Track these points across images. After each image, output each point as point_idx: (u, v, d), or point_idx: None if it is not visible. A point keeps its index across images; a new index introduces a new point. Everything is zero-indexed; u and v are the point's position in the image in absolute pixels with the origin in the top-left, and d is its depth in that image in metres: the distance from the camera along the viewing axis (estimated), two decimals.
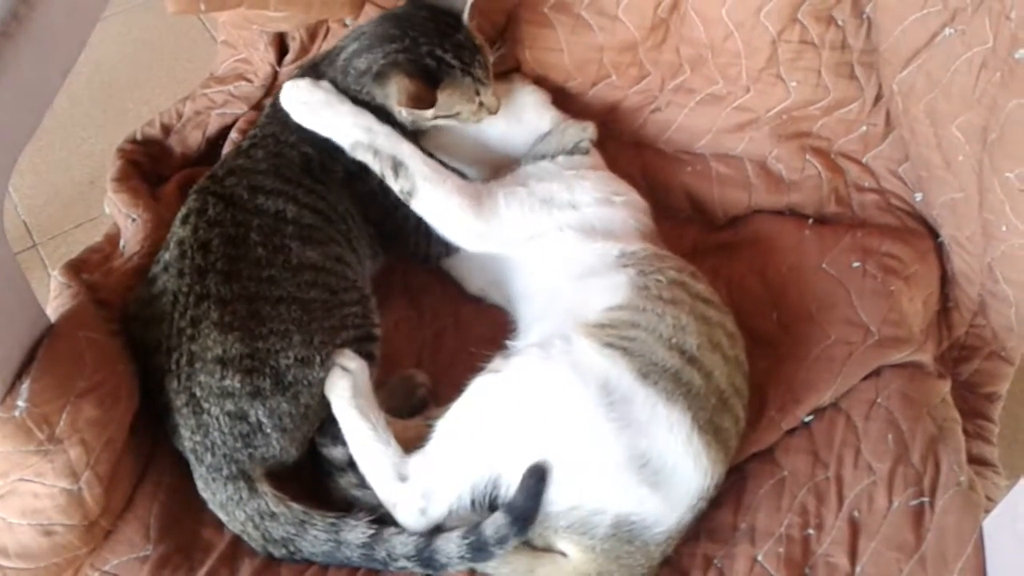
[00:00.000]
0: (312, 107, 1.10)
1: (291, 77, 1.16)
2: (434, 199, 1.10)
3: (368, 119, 1.10)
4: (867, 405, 1.07)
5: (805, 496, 1.01)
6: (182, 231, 1.04)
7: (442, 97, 1.10)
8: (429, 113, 1.11)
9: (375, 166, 1.10)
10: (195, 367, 0.96)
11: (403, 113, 1.11)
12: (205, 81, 1.38)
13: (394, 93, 1.09)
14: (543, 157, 1.22)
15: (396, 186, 1.10)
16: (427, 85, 1.09)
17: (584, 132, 1.22)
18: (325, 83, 1.11)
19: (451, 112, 1.14)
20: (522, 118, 1.26)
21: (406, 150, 1.10)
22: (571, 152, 1.21)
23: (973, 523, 0.95)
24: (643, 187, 1.27)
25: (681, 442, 0.93)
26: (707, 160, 1.32)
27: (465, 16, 1.13)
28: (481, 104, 1.15)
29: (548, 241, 1.12)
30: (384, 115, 1.12)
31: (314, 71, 1.15)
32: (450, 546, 0.94)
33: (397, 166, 1.09)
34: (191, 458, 0.98)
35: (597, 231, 1.12)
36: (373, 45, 1.12)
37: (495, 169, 1.24)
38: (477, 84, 1.13)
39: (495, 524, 0.93)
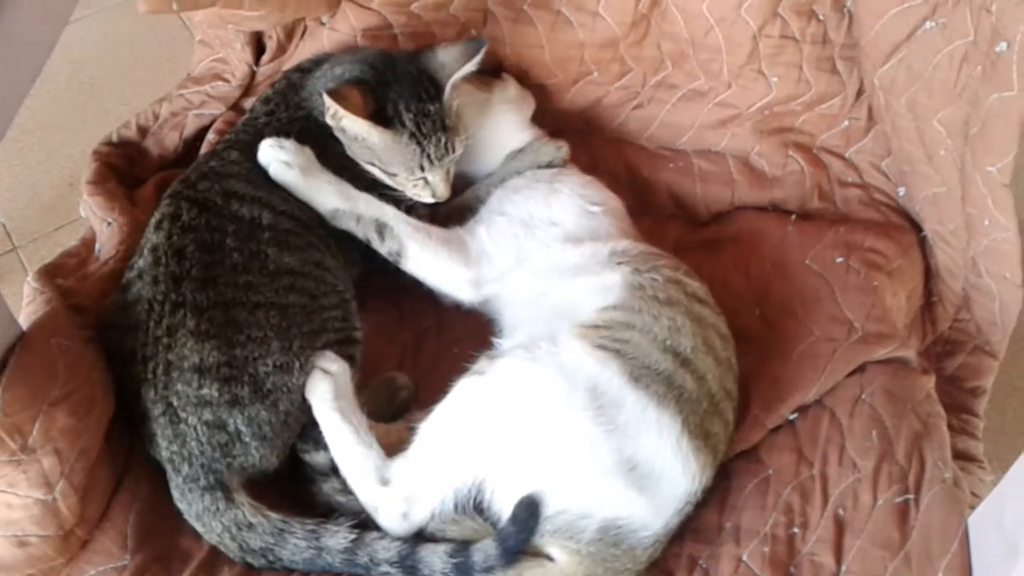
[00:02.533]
0: (292, 169, 1.07)
1: (260, 107, 1.16)
2: (423, 255, 1.09)
3: (346, 187, 1.09)
4: (851, 402, 1.06)
5: (790, 495, 1.01)
6: (156, 237, 1.02)
7: (376, 134, 1.08)
8: (356, 128, 1.08)
9: (359, 232, 1.09)
10: (172, 376, 0.95)
11: (336, 115, 1.08)
12: (182, 82, 1.37)
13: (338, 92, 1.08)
14: (516, 173, 1.21)
15: (383, 248, 1.09)
16: (370, 110, 1.07)
17: (558, 151, 1.22)
18: (307, 149, 1.09)
19: (385, 166, 1.11)
20: (497, 136, 1.23)
21: (388, 212, 1.10)
22: (548, 166, 1.21)
23: (958, 520, 0.95)
24: (626, 184, 1.27)
25: (670, 446, 0.93)
26: (689, 156, 1.32)
27: (447, 90, 1.10)
28: (425, 181, 1.12)
29: (537, 259, 1.11)
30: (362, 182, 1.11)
31: (284, 101, 1.15)
32: (435, 559, 0.93)
33: (381, 228, 1.09)
34: (168, 468, 0.96)
35: (583, 237, 1.11)
36: (356, 61, 1.13)
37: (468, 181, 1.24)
38: (423, 158, 1.10)
39: (484, 552, 0.93)
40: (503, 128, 1.24)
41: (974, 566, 0.91)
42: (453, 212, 1.18)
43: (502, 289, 1.11)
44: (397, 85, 1.10)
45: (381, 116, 1.08)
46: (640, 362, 0.95)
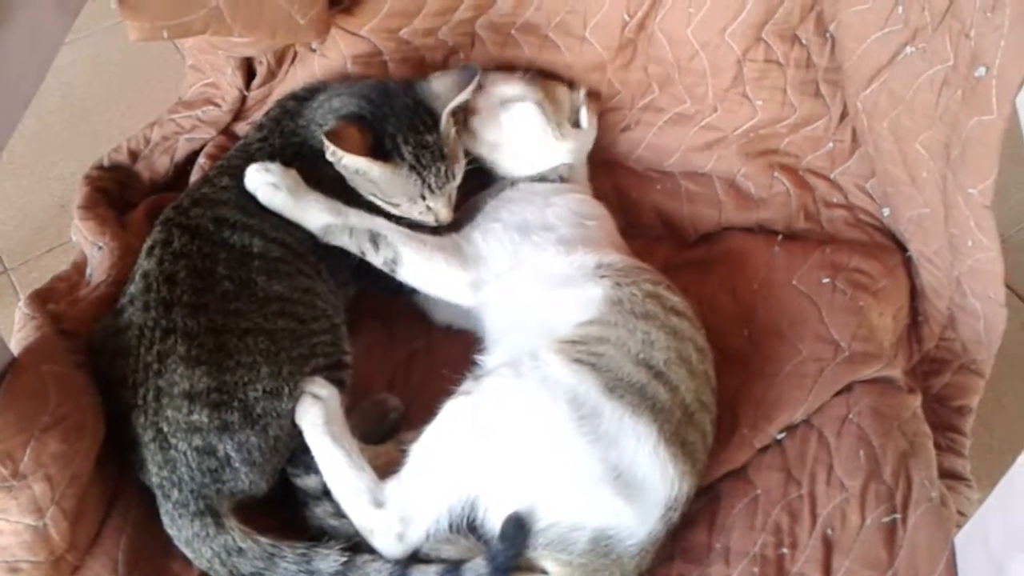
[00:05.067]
0: (280, 191, 1.08)
1: (254, 134, 1.17)
2: (419, 261, 1.10)
3: (336, 203, 1.10)
4: (838, 421, 1.07)
5: (779, 514, 1.01)
6: (147, 263, 1.02)
7: (377, 169, 1.09)
8: (356, 164, 1.09)
9: (352, 246, 1.09)
10: (162, 402, 0.95)
11: (335, 154, 1.09)
12: (173, 106, 1.38)
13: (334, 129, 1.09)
14: (511, 185, 1.23)
15: (378, 259, 1.09)
16: (368, 145, 1.09)
17: (554, 169, 1.23)
18: (293, 171, 1.10)
19: (387, 197, 1.12)
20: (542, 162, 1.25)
21: (380, 222, 1.11)
22: (541, 180, 1.22)
23: (945, 539, 0.95)
24: (614, 205, 1.28)
25: (648, 453, 0.94)
26: (676, 178, 1.33)
27: (443, 120, 1.12)
28: (429, 208, 1.14)
29: (530, 262, 1.11)
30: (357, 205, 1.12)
31: (278, 127, 1.16)
32: None
33: (375, 238, 1.09)
34: (158, 493, 0.96)
35: (576, 243, 1.12)
36: (352, 95, 1.14)
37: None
38: (424, 188, 1.11)
39: (475, 571, 0.93)
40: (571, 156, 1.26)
41: None
42: (442, 230, 1.18)
43: (495, 294, 1.11)
44: (394, 118, 1.11)
45: (380, 150, 1.10)
46: (614, 374, 0.97)
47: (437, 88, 1.14)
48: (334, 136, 1.08)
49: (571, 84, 1.30)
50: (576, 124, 1.25)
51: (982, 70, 0.95)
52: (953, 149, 1.03)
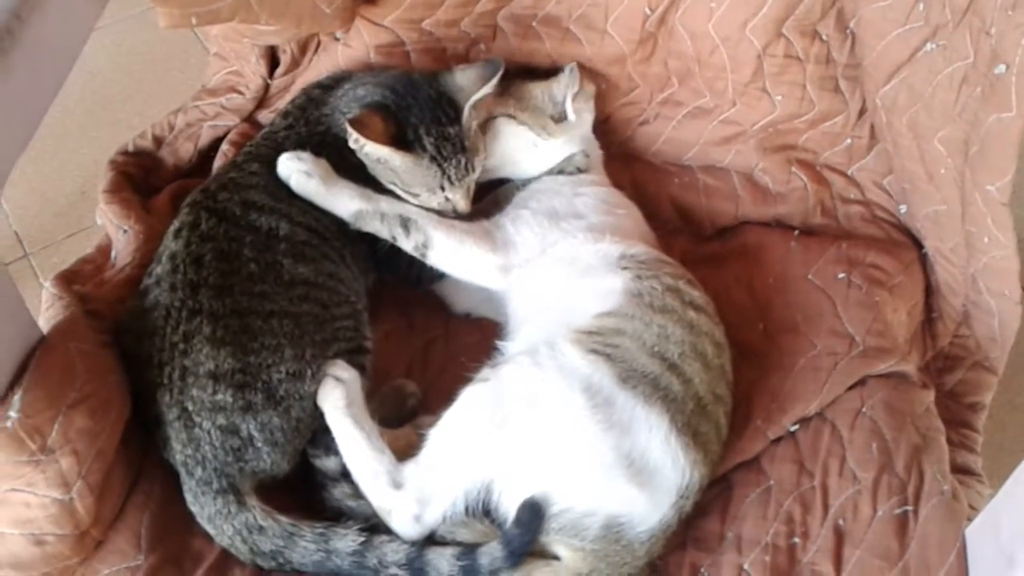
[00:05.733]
0: (313, 178, 1.10)
1: (280, 122, 1.19)
2: (450, 245, 1.11)
3: (366, 190, 1.12)
4: (852, 415, 1.08)
5: (791, 505, 1.02)
6: (174, 245, 1.04)
7: (398, 158, 1.11)
8: (378, 153, 1.11)
9: (384, 231, 1.11)
10: (187, 381, 0.97)
11: (358, 142, 1.11)
12: (197, 93, 1.39)
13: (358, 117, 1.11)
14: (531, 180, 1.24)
15: (409, 243, 1.11)
16: (390, 134, 1.10)
17: (569, 160, 1.24)
18: (324, 160, 1.12)
19: (407, 186, 1.14)
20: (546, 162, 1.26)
21: (411, 208, 1.12)
22: (560, 173, 1.23)
23: (956, 532, 0.96)
24: (632, 198, 1.29)
25: (660, 441, 0.95)
26: (695, 172, 1.34)
27: (465, 113, 1.13)
28: (447, 199, 1.15)
29: (558, 249, 1.13)
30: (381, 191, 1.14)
31: (304, 116, 1.18)
32: (442, 562, 0.95)
33: (406, 223, 1.11)
34: (182, 471, 0.98)
35: (605, 231, 1.13)
36: (378, 84, 1.15)
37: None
38: (444, 180, 1.13)
39: (491, 555, 0.94)
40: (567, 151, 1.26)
41: (971, 574, 0.93)
42: (473, 216, 1.20)
43: (523, 279, 1.12)
44: (417, 109, 1.12)
45: (402, 140, 1.11)
46: (629, 365, 0.98)
47: (461, 81, 1.15)
48: (357, 124, 1.09)
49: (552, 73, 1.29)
50: (563, 117, 1.25)
51: (1002, 67, 0.95)
52: (971, 146, 1.04)
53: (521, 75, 1.28)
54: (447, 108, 1.13)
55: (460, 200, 1.16)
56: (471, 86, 1.14)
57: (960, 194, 1.10)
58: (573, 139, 1.25)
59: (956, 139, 1.07)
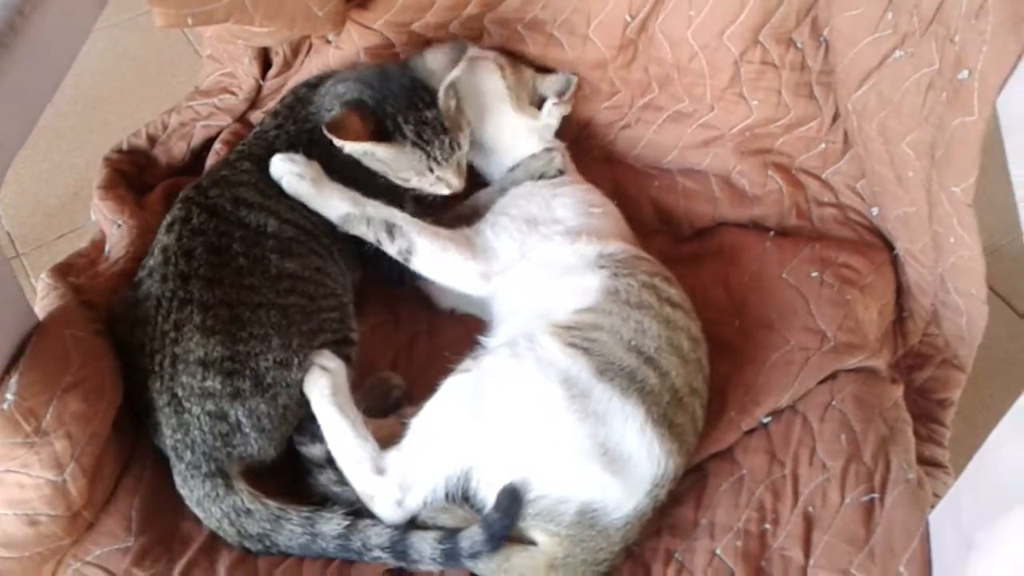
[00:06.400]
0: (304, 180, 1.13)
1: (270, 121, 1.22)
2: (432, 251, 1.14)
3: (354, 193, 1.15)
4: (822, 407, 1.12)
5: (762, 493, 1.06)
6: (167, 238, 1.07)
7: (381, 150, 1.15)
8: (360, 149, 1.14)
9: (369, 235, 1.14)
10: (177, 368, 1.00)
11: (337, 143, 1.14)
12: (191, 94, 1.42)
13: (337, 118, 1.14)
14: (513, 183, 1.28)
15: (393, 248, 1.14)
16: (370, 130, 1.13)
17: (550, 163, 1.28)
18: (315, 163, 1.15)
19: (396, 173, 1.17)
20: (517, 149, 1.30)
21: (397, 213, 1.16)
22: (539, 178, 1.27)
23: (919, 517, 0.99)
24: (614, 200, 1.32)
25: (635, 432, 0.99)
26: (674, 175, 1.38)
27: (440, 95, 1.16)
28: (439, 178, 1.18)
29: (537, 252, 1.16)
30: (370, 189, 1.17)
31: (292, 115, 1.21)
32: (424, 545, 0.98)
33: (391, 228, 1.14)
34: (171, 455, 1.01)
35: (581, 233, 1.17)
36: (355, 80, 1.18)
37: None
38: (431, 162, 1.16)
39: (471, 538, 0.97)
40: (526, 143, 1.30)
41: (933, 560, 0.96)
42: (454, 222, 1.23)
43: (503, 283, 1.16)
44: (393, 99, 1.16)
45: (382, 132, 1.14)
46: (606, 359, 1.02)
47: (432, 65, 1.18)
48: (333, 128, 1.13)
49: (547, 70, 1.35)
50: (538, 106, 1.29)
51: (965, 73, 0.99)
52: (937, 149, 1.08)
53: None
54: (422, 93, 1.16)
55: (452, 178, 1.19)
56: (442, 69, 1.17)
57: (927, 196, 1.14)
58: (536, 130, 1.29)
59: (923, 143, 1.10)
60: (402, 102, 1.15)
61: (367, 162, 1.17)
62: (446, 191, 1.20)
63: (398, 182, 1.18)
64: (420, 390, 1.08)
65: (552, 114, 1.29)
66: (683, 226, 1.36)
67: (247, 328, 1.03)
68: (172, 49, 2.17)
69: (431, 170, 1.17)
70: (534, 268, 1.15)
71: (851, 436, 1.08)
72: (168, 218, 1.10)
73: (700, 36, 1.27)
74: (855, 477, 1.04)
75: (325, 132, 1.12)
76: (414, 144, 1.15)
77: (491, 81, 1.27)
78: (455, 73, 1.17)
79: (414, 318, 1.26)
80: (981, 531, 0.85)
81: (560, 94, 1.30)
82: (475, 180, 1.30)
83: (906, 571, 0.96)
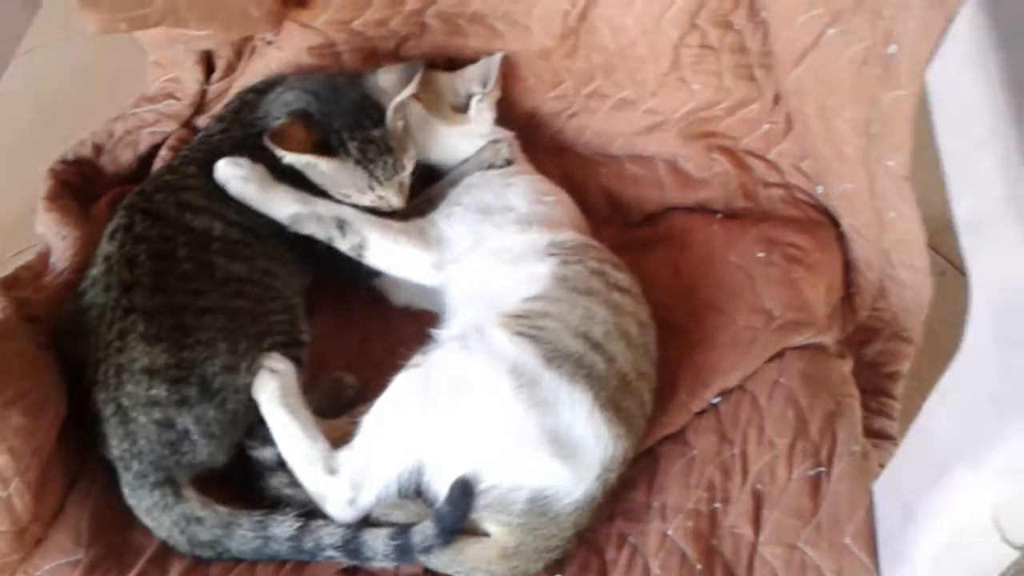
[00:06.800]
0: (250, 183, 1.13)
1: (215, 125, 1.22)
2: (385, 245, 1.15)
3: (303, 193, 1.15)
4: (770, 385, 1.13)
5: (712, 473, 1.06)
6: (109, 246, 1.07)
7: (323, 164, 1.14)
8: (302, 160, 1.13)
9: (320, 233, 1.14)
10: (123, 378, 1.00)
11: (279, 153, 1.13)
12: (136, 100, 1.42)
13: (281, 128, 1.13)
14: (465, 175, 1.28)
15: (345, 244, 1.14)
16: (313, 141, 1.13)
17: (498, 154, 1.28)
18: (261, 166, 1.14)
19: (337, 187, 1.16)
20: (461, 149, 1.30)
21: (347, 210, 1.15)
22: (488, 168, 1.27)
23: (864, 488, 1.00)
24: (563, 188, 1.32)
25: (583, 418, 0.99)
26: (622, 161, 1.38)
27: (389, 115, 1.16)
28: (380, 197, 1.18)
29: (490, 241, 1.17)
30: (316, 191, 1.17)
31: (238, 119, 1.21)
32: (377, 543, 0.98)
33: (342, 224, 1.14)
34: (119, 466, 1.01)
35: (533, 222, 1.18)
36: (303, 90, 1.18)
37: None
38: (372, 181, 1.16)
39: (423, 533, 0.98)
40: (471, 144, 1.30)
41: (878, 529, 0.97)
42: (407, 214, 1.23)
43: (457, 273, 1.16)
44: (340, 114, 1.15)
45: (325, 146, 1.14)
46: (554, 346, 1.02)
47: (384, 84, 1.18)
48: (276, 137, 1.12)
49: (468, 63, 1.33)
50: (465, 109, 1.29)
51: (894, 48, 1.00)
52: (873, 125, 1.09)
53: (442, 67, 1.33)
54: (371, 111, 1.16)
55: (393, 197, 1.19)
56: (393, 89, 1.17)
57: (867, 172, 1.15)
58: (470, 134, 1.29)
59: (859, 119, 1.11)
60: (349, 118, 1.15)
61: (308, 173, 1.17)
62: (387, 209, 1.19)
63: (339, 197, 1.17)
64: (375, 389, 1.07)
65: (480, 109, 1.28)
66: (633, 212, 1.37)
67: (193, 334, 1.02)
68: (130, 61, 2.14)
69: (372, 188, 1.17)
70: (486, 257, 1.16)
71: (798, 412, 1.09)
72: (111, 226, 1.10)
73: (639, 22, 1.27)
74: (802, 453, 1.06)
75: (266, 141, 1.12)
76: (357, 162, 1.15)
77: (417, 115, 1.26)
78: (406, 93, 1.16)
79: (368, 318, 1.26)
80: (919, 499, 0.86)
81: (483, 83, 1.29)
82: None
83: (852, 542, 0.97)
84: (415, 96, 1.24)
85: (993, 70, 0.83)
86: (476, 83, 1.30)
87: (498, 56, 1.30)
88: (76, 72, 2.15)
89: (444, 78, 1.31)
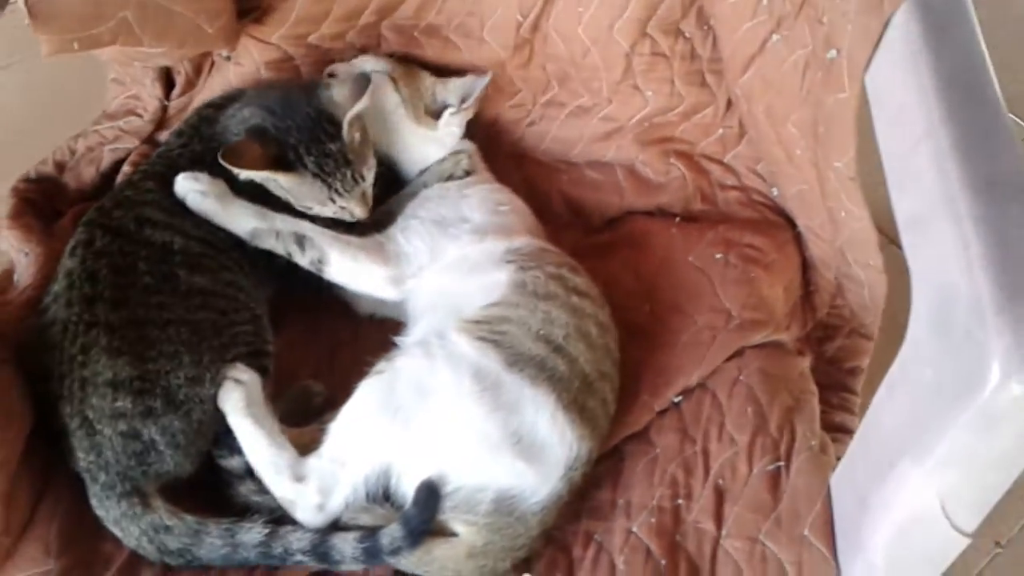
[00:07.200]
0: (208, 197, 1.14)
1: (174, 140, 1.23)
2: (344, 260, 1.16)
3: (262, 208, 1.16)
4: (730, 383, 1.15)
5: (675, 470, 1.09)
6: (70, 262, 1.08)
7: (281, 178, 1.15)
8: (258, 176, 1.15)
9: (279, 248, 1.15)
10: (87, 391, 1.00)
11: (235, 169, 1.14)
12: (97, 118, 1.42)
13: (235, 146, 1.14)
14: (424, 186, 1.30)
15: (304, 259, 1.15)
16: (270, 157, 1.14)
17: (457, 165, 1.30)
18: (221, 180, 1.15)
19: (297, 200, 1.17)
20: (427, 156, 1.32)
21: (305, 225, 1.17)
22: (448, 179, 1.29)
23: (822, 481, 1.03)
24: (524, 195, 1.34)
25: (546, 419, 1.01)
26: (581, 168, 1.41)
27: (345, 128, 1.16)
28: (342, 208, 1.19)
29: (447, 253, 1.18)
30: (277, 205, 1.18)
31: (197, 134, 1.22)
32: (346, 546, 1.00)
33: (301, 240, 1.15)
34: (86, 478, 1.01)
35: (488, 232, 1.20)
36: (258, 106, 1.19)
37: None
38: (332, 193, 1.17)
39: (391, 535, 0.99)
40: (431, 151, 1.32)
41: (835, 521, 1.00)
42: (367, 227, 1.24)
43: (416, 286, 1.18)
44: (296, 130, 1.16)
45: (283, 161, 1.15)
46: (515, 350, 1.04)
47: (338, 97, 1.19)
48: (230, 155, 1.12)
49: (453, 73, 1.35)
50: (437, 116, 1.30)
51: (834, 52, 1.03)
52: (819, 127, 1.12)
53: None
54: (326, 125, 1.17)
55: (355, 208, 1.20)
56: (346, 101, 1.18)
57: (817, 173, 1.18)
58: (437, 140, 1.31)
59: (806, 121, 1.15)
60: (305, 133, 1.16)
61: (269, 187, 1.18)
62: (349, 219, 1.21)
63: (301, 209, 1.19)
64: (343, 397, 1.09)
65: (450, 123, 1.29)
66: (593, 217, 1.39)
67: (156, 347, 1.03)
68: (93, 79, 2.14)
69: (333, 200, 1.18)
70: (445, 268, 1.18)
71: (757, 409, 1.12)
72: (72, 242, 1.10)
73: (590, 31, 1.30)
74: (761, 448, 1.08)
75: (220, 159, 1.12)
76: (315, 175, 1.16)
77: (387, 96, 1.28)
78: (360, 106, 1.17)
79: (335, 327, 1.28)
80: (872, 491, 0.89)
81: (463, 99, 1.31)
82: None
83: (811, 534, 1.00)
84: (395, 81, 1.26)
85: (925, 73, 0.86)
86: (454, 96, 1.31)
87: (486, 79, 1.31)
88: (37, 92, 2.14)
89: (428, 80, 1.33)
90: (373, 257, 1.17)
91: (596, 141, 1.40)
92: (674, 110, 1.36)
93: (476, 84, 1.32)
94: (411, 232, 1.20)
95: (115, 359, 1.01)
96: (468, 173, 1.30)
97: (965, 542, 0.83)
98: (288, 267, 1.18)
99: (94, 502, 1.01)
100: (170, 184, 1.15)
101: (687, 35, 1.31)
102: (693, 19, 1.29)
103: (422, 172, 1.33)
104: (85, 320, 1.02)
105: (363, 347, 1.22)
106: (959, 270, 0.77)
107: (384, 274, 1.17)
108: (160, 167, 1.19)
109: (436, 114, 1.31)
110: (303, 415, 1.14)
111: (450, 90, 1.33)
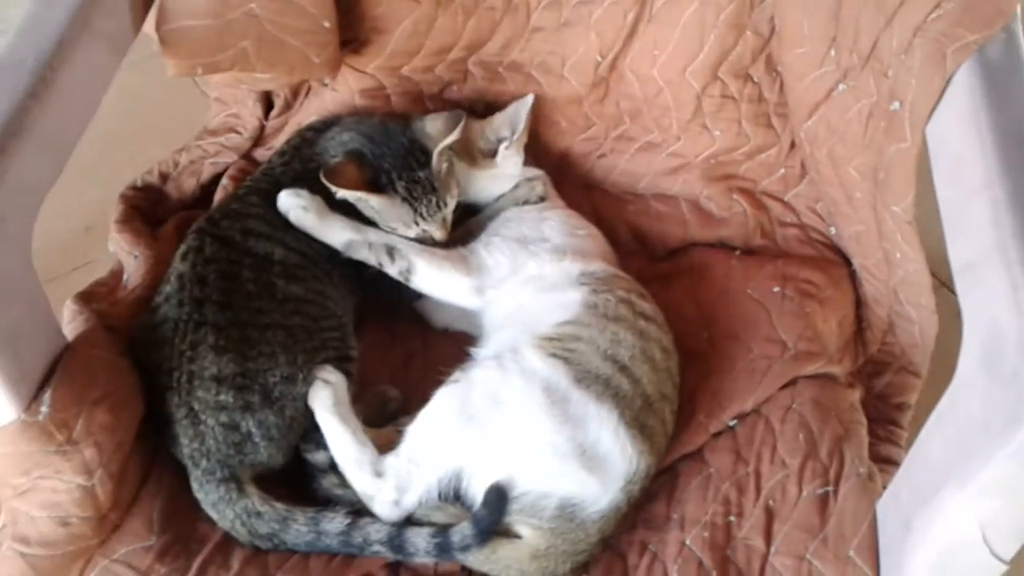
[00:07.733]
0: (309, 212, 1.23)
1: (277, 159, 1.33)
2: (430, 270, 1.25)
3: (356, 222, 1.26)
4: (783, 410, 1.21)
5: (728, 489, 1.15)
6: (181, 266, 1.18)
7: (373, 199, 1.25)
8: (353, 195, 1.24)
9: (371, 258, 1.24)
10: (194, 384, 1.10)
11: (333, 189, 1.23)
12: (199, 133, 1.54)
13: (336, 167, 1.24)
14: (501, 210, 1.38)
15: (394, 269, 1.24)
16: (365, 179, 1.24)
17: (532, 191, 1.38)
18: (319, 197, 1.25)
19: (384, 220, 1.27)
20: (496, 187, 1.40)
21: (396, 238, 1.26)
22: (523, 204, 1.38)
23: (868, 506, 1.08)
24: (592, 223, 1.42)
25: (609, 434, 1.08)
26: (647, 199, 1.48)
27: (434, 159, 1.26)
28: (424, 231, 1.28)
29: (526, 269, 1.27)
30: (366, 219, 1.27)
31: (298, 154, 1.32)
32: (420, 540, 1.07)
33: (391, 251, 1.24)
34: (188, 463, 1.11)
35: (566, 252, 1.28)
36: (358, 132, 1.29)
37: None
38: (417, 216, 1.26)
39: (462, 533, 1.06)
40: (501, 185, 1.40)
41: (880, 543, 1.05)
42: (448, 244, 1.32)
43: (495, 298, 1.26)
44: (391, 156, 1.26)
45: (376, 183, 1.25)
46: (584, 367, 1.12)
47: (430, 129, 1.29)
48: (331, 175, 1.22)
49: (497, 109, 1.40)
50: (493, 153, 1.36)
51: (897, 104, 1.09)
52: (879, 173, 1.18)
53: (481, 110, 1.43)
54: (418, 154, 1.26)
55: (436, 231, 1.29)
56: (438, 135, 1.27)
57: (874, 215, 1.23)
58: (498, 176, 1.38)
59: (867, 167, 1.20)
60: (398, 160, 1.26)
61: (360, 207, 1.27)
62: (430, 241, 1.29)
63: (386, 229, 1.28)
64: (415, 402, 1.17)
65: (507, 156, 1.36)
66: (657, 247, 1.46)
67: (256, 347, 1.13)
68: (180, 92, 2.26)
69: (417, 223, 1.27)
70: (522, 284, 1.26)
71: (809, 435, 1.17)
72: (183, 248, 1.21)
73: (664, 73, 1.38)
74: (812, 472, 1.14)
75: (322, 178, 1.22)
76: (404, 199, 1.25)
77: (456, 161, 1.35)
78: (450, 139, 1.26)
79: (410, 336, 1.36)
80: (915, 515, 0.94)
81: (512, 129, 1.36)
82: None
83: (856, 555, 1.05)
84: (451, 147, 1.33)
85: (985, 128, 0.92)
86: (505, 128, 1.38)
87: (527, 101, 1.38)
88: (128, 100, 2.19)
89: (475, 125, 1.39)
90: (458, 267, 1.26)
91: (663, 175, 1.47)
92: (739, 149, 1.43)
93: (520, 109, 1.38)
94: (494, 247, 1.29)
95: (220, 356, 1.10)
96: (542, 198, 1.38)
97: (1003, 569, 0.88)
98: (374, 279, 1.28)
99: (195, 486, 1.10)
100: (273, 199, 1.25)
101: (755, 80, 1.38)
102: (762, 65, 1.36)
103: (498, 198, 1.41)
104: (195, 320, 1.12)
105: (434, 357, 1.31)
106: (1008, 312, 0.83)
107: (467, 283, 1.26)
108: (264, 184, 1.29)
109: (493, 152, 1.37)
110: (379, 418, 1.23)
111: (497, 125, 1.39)
